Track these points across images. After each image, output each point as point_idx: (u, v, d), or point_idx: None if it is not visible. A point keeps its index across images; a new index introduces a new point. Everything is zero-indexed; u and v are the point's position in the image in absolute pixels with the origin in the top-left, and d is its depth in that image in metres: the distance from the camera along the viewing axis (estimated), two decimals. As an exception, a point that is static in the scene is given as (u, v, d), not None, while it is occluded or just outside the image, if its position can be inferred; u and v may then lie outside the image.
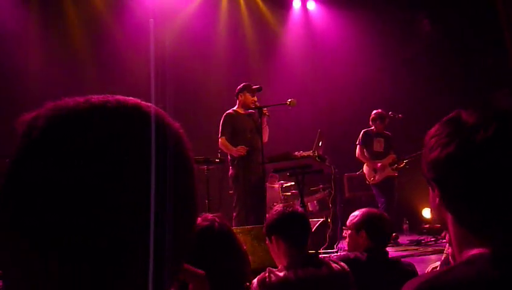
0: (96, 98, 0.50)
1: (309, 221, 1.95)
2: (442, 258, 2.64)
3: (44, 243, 0.43)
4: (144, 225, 0.45)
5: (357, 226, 2.13)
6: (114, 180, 0.45)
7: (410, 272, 2.08)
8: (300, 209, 1.97)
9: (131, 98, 0.52)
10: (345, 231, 2.29)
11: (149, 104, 0.52)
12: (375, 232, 2.09)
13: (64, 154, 0.45)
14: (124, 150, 0.46)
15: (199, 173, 4.48)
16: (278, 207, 1.91)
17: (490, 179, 0.73)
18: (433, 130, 0.83)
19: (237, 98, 4.68)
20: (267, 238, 1.89)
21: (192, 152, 0.54)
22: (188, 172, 0.52)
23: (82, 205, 0.43)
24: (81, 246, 0.43)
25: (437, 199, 0.81)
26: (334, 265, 1.75)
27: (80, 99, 0.50)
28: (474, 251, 0.75)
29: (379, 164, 5.73)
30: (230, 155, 4.52)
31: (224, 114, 4.61)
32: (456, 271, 0.74)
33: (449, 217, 0.81)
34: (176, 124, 0.54)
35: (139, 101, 0.52)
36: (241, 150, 4.41)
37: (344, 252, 4.12)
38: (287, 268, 1.70)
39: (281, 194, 6.30)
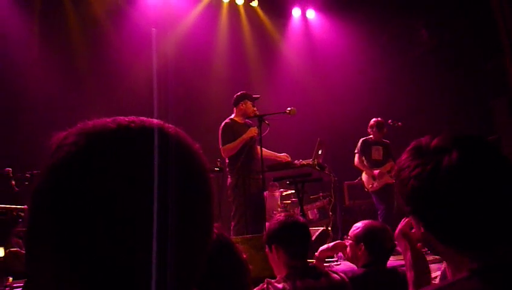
0: (130, 119, 0.51)
1: (310, 232, 1.94)
2: (442, 268, 2.63)
3: (78, 256, 0.45)
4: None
5: (357, 238, 2.11)
6: (146, 196, 0.46)
7: (407, 279, 2.07)
8: (302, 219, 1.95)
9: (154, 119, 0.53)
10: (346, 240, 2.27)
11: (171, 126, 0.53)
12: (374, 246, 2.06)
13: (102, 170, 0.46)
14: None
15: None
16: (280, 216, 1.90)
17: (462, 201, 0.76)
18: (401, 161, 0.87)
19: (237, 106, 4.61)
20: (266, 246, 1.87)
21: (208, 172, 0.55)
22: (203, 194, 0.53)
23: (117, 219, 0.45)
24: (120, 261, 0.45)
25: (422, 228, 0.84)
26: (334, 275, 1.74)
27: (109, 120, 0.51)
28: (472, 267, 0.76)
29: (377, 172, 5.74)
30: (230, 164, 4.49)
31: (223, 124, 4.56)
32: (456, 286, 0.75)
33: (438, 243, 0.83)
34: (196, 145, 0.55)
35: (162, 122, 0.53)
36: (252, 130, 4.36)
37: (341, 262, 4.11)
38: (285, 280, 1.69)
39: (280, 203, 6.29)
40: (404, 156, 0.86)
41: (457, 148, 0.78)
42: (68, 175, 0.46)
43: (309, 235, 1.90)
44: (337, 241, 2.29)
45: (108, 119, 0.51)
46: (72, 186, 0.46)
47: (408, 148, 0.87)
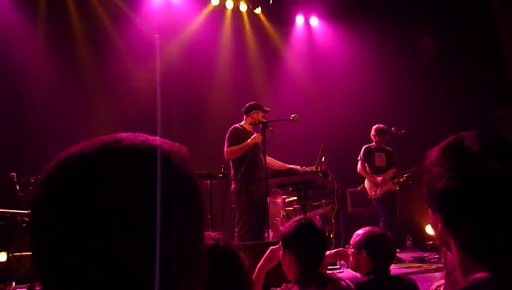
0: (100, 140, 0.53)
1: (326, 241, 1.88)
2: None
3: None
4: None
5: (358, 246, 2.10)
6: (122, 218, 0.47)
7: (412, 287, 2.07)
8: (318, 225, 1.86)
9: (130, 135, 0.54)
10: (348, 249, 2.26)
11: (153, 139, 0.54)
12: (376, 253, 2.05)
13: (112, 180, 0.48)
14: (129, 189, 0.48)
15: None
16: (297, 221, 1.82)
17: (496, 212, 0.74)
18: (434, 155, 0.82)
19: (248, 114, 4.69)
20: (281, 245, 1.83)
21: (199, 189, 0.56)
22: (196, 209, 0.55)
23: (132, 227, 0.47)
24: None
25: (439, 225, 0.82)
26: (342, 283, 1.72)
27: (87, 143, 0.53)
28: (477, 275, 0.76)
29: (380, 178, 5.73)
30: (234, 170, 4.51)
31: (232, 127, 4.62)
32: None
33: (452, 242, 0.82)
34: (188, 163, 0.56)
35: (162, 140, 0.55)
36: (256, 137, 4.39)
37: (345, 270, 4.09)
38: (290, 288, 1.67)
39: (283, 209, 6.28)
40: (439, 151, 0.82)
41: (501, 158, 0.75)
42: (75, 182, 0.49)
43: (325, 245, 1.83)
44: (339, 249, 2.28)
45: (111, 136, 0.54)
46: (79, 193, 0.48)
47: (446, 143, 0.82)
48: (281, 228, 1.90)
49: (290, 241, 1.78)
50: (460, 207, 0.77)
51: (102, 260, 0.46)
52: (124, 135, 0.54)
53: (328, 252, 2.24)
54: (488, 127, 6.07)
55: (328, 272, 3.32)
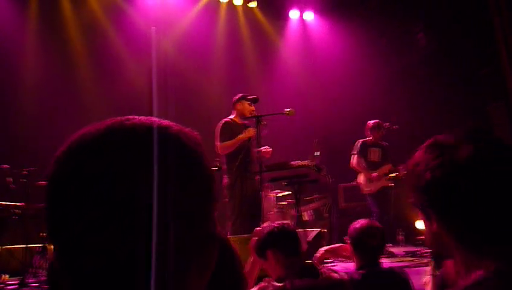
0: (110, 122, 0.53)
1: (297, 233, 1.97)
2: (429, 272, 2.65)
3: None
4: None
5: (349, 237, 2.14)
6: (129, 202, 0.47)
7: (404, 279, 2.10)
8: (286, 222, 1.99)
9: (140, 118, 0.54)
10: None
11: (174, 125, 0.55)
12: (359, 245, 2.08)
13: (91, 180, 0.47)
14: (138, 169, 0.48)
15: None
16: (267, 225, 1.93)
17: (478, 195, 0.77)
18: (416, 157, 0.87)
19: (234, 107, 4.69)
20: (260, 258, 1.89)
21: (211, 171, 0.56)
22: (203, 195, 0.54)
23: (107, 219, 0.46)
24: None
25: (435, 224, 0.84)
26: (333, 275, 1.75)
27: (99, 123, 0.53)
28: (481, 271, 0.76)
29: (375, 174, 5.74)
30: (227, 163, 4.50)
31: (222, 122, 4.61)
32: (477, 288, 0.75)
33: (451, 241, 0.83)
34: (199, 146, 0.56)
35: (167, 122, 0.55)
36: (250, 130, 4.40)
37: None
38: (284, 279, 1.70)
39: (276, 204, 6.29)
40: (419, 152, 0.87)
41: (470, 142, 0.80)
42: (86, 162, 0.48)
43: (297, 236, 1.93)
44: (340, 245, 2.28)
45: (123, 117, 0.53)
46: (90, 173, 0.47)
47: (424, 145, 0.87)
48: (252, 240, 1.96)
49: (271, 239, 1.85)
50: (445, 195, 0.80)
51: (112, 243, 0.45)
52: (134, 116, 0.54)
53: (328, 247, 2.26)
54: (480, 123, 6.11)
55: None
